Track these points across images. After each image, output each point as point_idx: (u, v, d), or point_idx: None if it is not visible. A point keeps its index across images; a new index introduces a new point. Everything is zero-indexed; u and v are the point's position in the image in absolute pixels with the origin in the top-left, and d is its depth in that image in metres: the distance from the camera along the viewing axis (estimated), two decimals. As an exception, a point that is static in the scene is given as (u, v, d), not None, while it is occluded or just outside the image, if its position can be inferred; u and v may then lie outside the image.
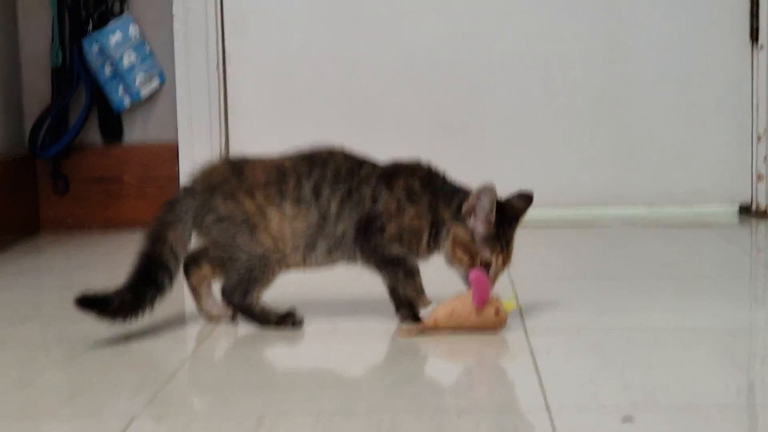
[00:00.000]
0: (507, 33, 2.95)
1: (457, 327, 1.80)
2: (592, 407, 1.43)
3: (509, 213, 1.82)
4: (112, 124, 2.98)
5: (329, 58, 2.99)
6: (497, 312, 1.80)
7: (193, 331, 1.90)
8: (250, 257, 1.83)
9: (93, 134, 2.98)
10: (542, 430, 1.34)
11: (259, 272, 1.84)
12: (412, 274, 1.84)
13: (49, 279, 2.46)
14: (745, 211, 2.94)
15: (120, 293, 1.79)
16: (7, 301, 2.20)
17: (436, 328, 1.80)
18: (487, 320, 1.80)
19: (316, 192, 1.83)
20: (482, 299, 1.79)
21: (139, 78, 2.92)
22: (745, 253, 2.54)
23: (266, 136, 3.01)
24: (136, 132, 3.00)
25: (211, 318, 1.92)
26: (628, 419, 1.37)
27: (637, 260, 2.43)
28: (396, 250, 1.84)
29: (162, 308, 1.85)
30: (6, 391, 1.58)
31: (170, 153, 2.98)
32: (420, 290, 1.84)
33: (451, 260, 1.83)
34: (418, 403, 1.46)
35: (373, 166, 1.87)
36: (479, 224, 1.80)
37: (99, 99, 2.94)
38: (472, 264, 1.81)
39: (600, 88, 2.94)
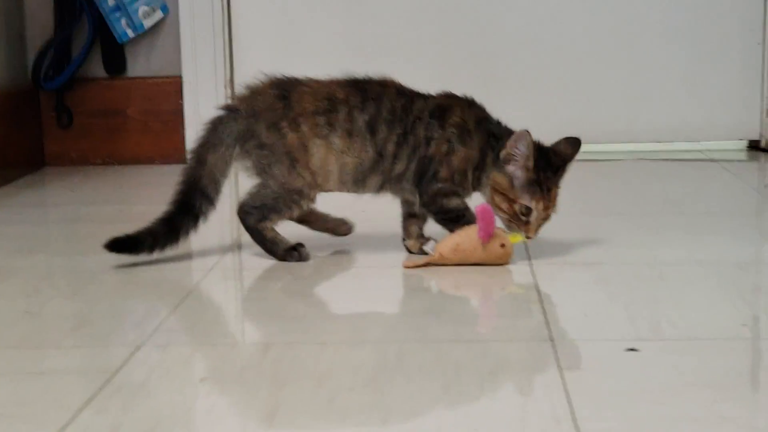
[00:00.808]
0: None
1: (462, 261, 1.80)
2: (596, 339, 1.43)
3: (554, 159, 1.78)
4: (116, 56, 2.95)
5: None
6: (503, 245, 1.79)
7: (199, 261, 1.89)
8: (281, 189, 1.81)
9: (96, 67, 2.96)
10: (546, 359, 1.34)
11: (284, 205, 1.82)
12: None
13: (54, 212, 2.46)
14: (754, 146, 2.92)
15: (152, 230, 1.80)
16: (12, 234, 2.19)
17: (441, 262, 1.80)
18: (492, 254, 1.79)
19: (371, 127, 1.80)
20: (487, 233, 1.78)
21: (141, 9, 2.89)
22: (752, 188, 2.53)
23: (272, 70, 2.97)
24: (140, 65, 2.97)
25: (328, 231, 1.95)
26: (632, 350, 1.37)
27: (644, 196, 2.42)
28: (454, 202, 1.82)
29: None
30: (11, 322, 1.58)
31: (174, 87, 2.96)
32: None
33: (492, 206, 1.79)
34: (423, 333, 1.46)
35: (425, 99, 1.83)
36: (518, 170, 1.77)
37: (102, 31, 2.91)
38: (511, 210, 1.78)
39: (611, 26, 2.91)
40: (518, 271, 1.77)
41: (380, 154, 1.81)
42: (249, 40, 2.97)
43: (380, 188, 1.84)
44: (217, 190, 1.83)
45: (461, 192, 1.83)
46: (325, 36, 2.96)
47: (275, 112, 1.80)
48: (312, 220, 1.93)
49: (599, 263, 1.81)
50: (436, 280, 1.75)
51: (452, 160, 1.80)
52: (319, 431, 1.16)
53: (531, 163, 1.75)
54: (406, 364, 1.34)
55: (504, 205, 1.78)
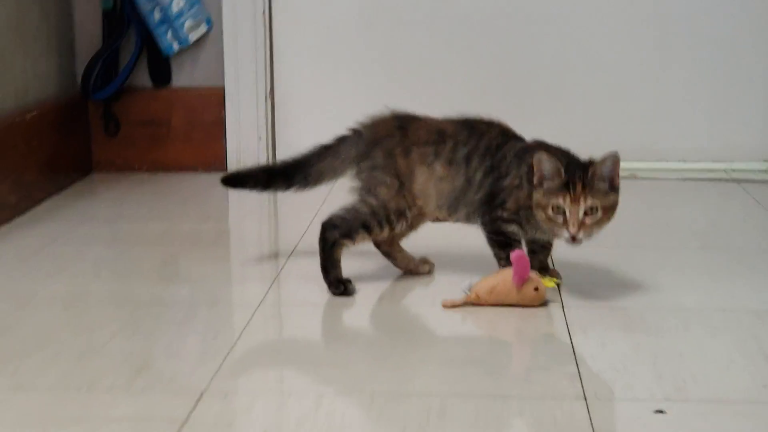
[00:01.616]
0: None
1: (497, 302, 1.91)
2: (626, 398, 1.54)
3: (584, 162, 1.90)
4: (161, 68, 3.06)
5: (376, 6, 3.05)
6: (536, 289, 1.91)
7: (245, 296, 2.01)
8: (381, 208, 2.00)
9: (143, 78, 3.07)
10: (581, 422, 1.45)
11: (378, 223, 2.01)
12: (507, 257, 1.94)
13: (103, 230, 2.56)
14: (775, 168, 3.03)
15: (258, 175, 2.14)
16: (69, 255, 2.31)
17: (477, 303, 1.92)
18: (526, 297, 1.91)
19: (468, 159, 1.99)
20: (522, 278, 1.90)
21: (187, 24, 3.00)
22: (773, 216, 2.63)
23: (310, 82, 3.09)
24: (184, 76, 3.08)
25: (410, 271, 2.12)
26: (659, 412, 1.48)
27: (669, 225, 2.52)
28: (511, 228, 1.98)
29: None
30: (76, 360, 1.70)
31: (216, 98, 3.07)
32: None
33: (543, 224, 1.91)
34: (464, 387, 1.57)
35: (517, 142, 2.00)
36: (547, 183, 1.89)
37: (148, 43, 3.02)
38: (548, 217, 1.89)
39: (640, 50, 3.01)
40: (552, 315, 1.88)
41: (469, 182, 1.98)
42: (289, 53, 3.08)
43: (468, 218, 2.01)
44: (316, 183, 2.10)
45: (524, 225, 1.97)
46: (363, 50, 3.07)
47: (393, 140, 2.02)
48: (397, 255, 2.12)
49: (625, 308, 1.92)
50: (475, 322, 1.86)
51: (520, 195, 1.95)
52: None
53: (557, 173, 1.87)
54: (449, 422, 1.46)
55: (543, 216, 1.90)
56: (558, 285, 1.98)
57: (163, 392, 1.57)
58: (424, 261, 2.13)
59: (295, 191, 2.12)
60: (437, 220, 2.08)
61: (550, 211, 1.88)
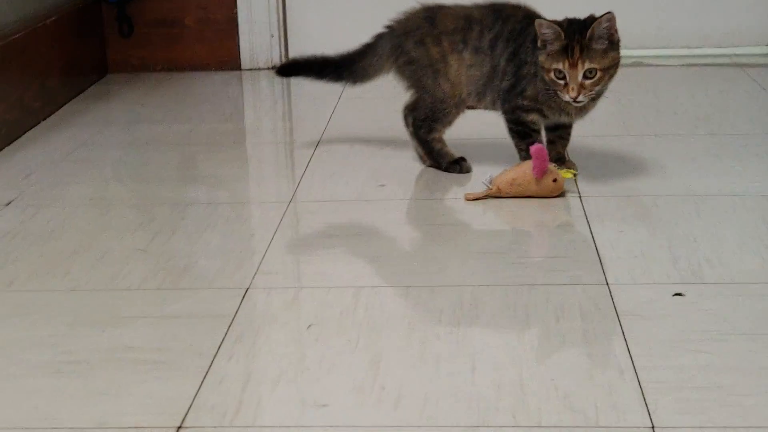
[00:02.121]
0: None
1: (518, 194, 2.00)
2: (646, 283, 1.64)
3: (586, 23, 1.97)
4: (172, -32, 3.10)
5: None
6: (555, 180, 2.00)
7: (277, 195, 2.11)
8: (434, 98, 2.13)
9: (154, -22, 3.11)
10: (605, 305, 1.56)
11: (440, 113, 2.14)
12: (527, 148, 2.03)
13: (127, 132, 2.64)
14: (778, 52, 3.10)
15: (312, 65, 2.28)
16: (96, 159, 2.39)
17: (498, 195, 2.01)
18: (545, 188, 2.00)
19: (492, 44, 2.07)
20: (541, 170, 1.98)
21: (197, -76, 3.03)
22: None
23: (319, -21, 3.14)
24: (196, -25, 3.12)
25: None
26: (678, 294, 1.59)
27: (676, 112, 2.60)
28: (530, 117, 2.07)
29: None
30: (129, 260, 1.80)
31: (228, -3, 3.12)
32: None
33: (552, 85, 1.99)
34: (493, 277, 1.67)
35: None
36: (551, 46, 1.97)
37: (159, -57, 3.06)
38: (551, 80, 1.98)
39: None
40: (570, 205, 1.98)
41: (494, 69, 2.07)
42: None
43: (494, 104, 2.12)
44: (362, 80, 2.24)
45: (545, 111, 2.06)
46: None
47: (422, 30, 2.12)
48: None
49: (639, 196, 2.02)
50: (497, 214, 1.96)
51: (538, 83, 2.03)
52: (420, 382, 1.39)
53: (558, 37, 1.96)
54: (481, 310, 1.56)
55: (548, 78, 1.99)
56: (575, 176, 2.07)
57: (209, 290, 1.67)
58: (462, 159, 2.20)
59: (345, 86, 2.32)
60: (470, 107, 2.17)
61: (552, 75, 1.97)
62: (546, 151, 1.99)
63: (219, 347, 1.48)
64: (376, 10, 2.77)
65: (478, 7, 2.12)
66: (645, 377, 1.36)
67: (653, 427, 1.25)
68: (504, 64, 2.06)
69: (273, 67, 3.07)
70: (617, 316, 1.53)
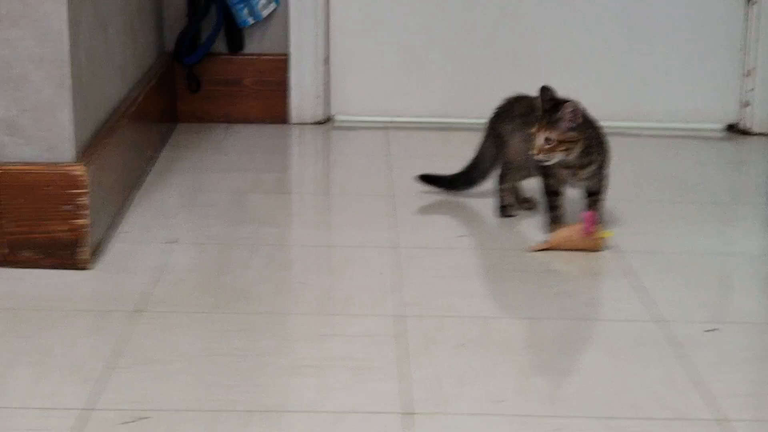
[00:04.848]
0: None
1: (570, 248, 2.64)
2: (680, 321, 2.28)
3: (556, 107, 2.62)
4: (236, 37, 3.68)
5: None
6: (600, 238, 2.65)
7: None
8: (505, 160, 2.82)
9: (220, 45, 3.68)
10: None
11: (508, 172, 2.83)
12: (550, 209, 2.70)
13: (205, 180, 3.20)
14: (731, 128, 3.79)
15: (447, 178, 2.92)
16: (206, 203, 2.96)
17: (556, 247, 2.65)
18: (592, 244, 2.64)
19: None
20: (589, 231, 2.63)
21: (261, 2, 3.61)
22: (736, 170, 3.41)
23: (359, 52, 3.75)
24: (255, 44, 3.70)
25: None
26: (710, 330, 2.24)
27: (661, 181, 3.25)
28: (547, 180, 2.71)
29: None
30: (293, 291, 2.38)
31: (282, 62, 3.69)
32: (550, 221, 2.72)
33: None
34: (561, 313, 2.31)
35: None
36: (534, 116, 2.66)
37: (226, 18, 3.63)
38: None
39: (620, 28, 3.72)
40: (608, 258, 2.62)
41: None
42: (342, 27, 3.72)
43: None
44: (482, 171, 2.92)
45: (551, 176, 2.73)
46: (403, 27, 3.72)
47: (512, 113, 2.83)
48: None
49: (663, 253, 2.66)
50: (558, 261, 2.59)
51: None
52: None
53: (540, 110, 2.63)
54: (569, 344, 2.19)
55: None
56: (611, 236, 2.72)
57: (373, 316, 2.26)
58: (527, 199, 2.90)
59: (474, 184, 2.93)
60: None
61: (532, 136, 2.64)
62: (594, 216, 2.64)
63: (403, 360, 2.06)
64: (410, 76, 3.54)
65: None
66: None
67: None
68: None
69: (317, 123, 3.68)
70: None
